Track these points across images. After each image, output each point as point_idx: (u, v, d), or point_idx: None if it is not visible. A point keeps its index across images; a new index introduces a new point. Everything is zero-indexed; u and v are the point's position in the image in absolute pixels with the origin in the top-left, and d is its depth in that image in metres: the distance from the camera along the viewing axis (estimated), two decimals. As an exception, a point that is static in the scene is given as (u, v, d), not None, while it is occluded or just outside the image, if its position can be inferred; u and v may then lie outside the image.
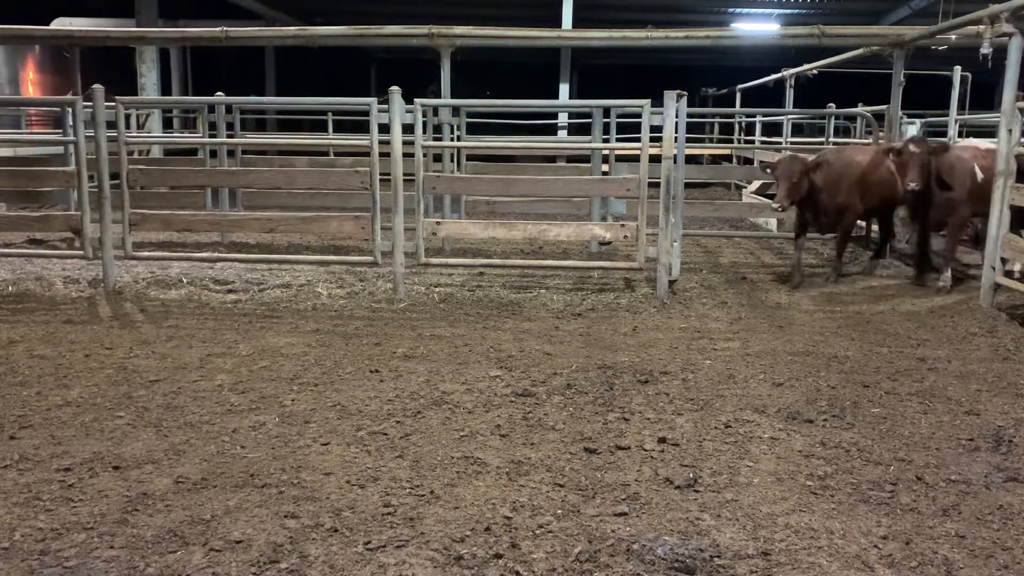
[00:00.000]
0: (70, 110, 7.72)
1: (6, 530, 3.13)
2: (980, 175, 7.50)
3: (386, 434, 4.12)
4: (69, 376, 5.00)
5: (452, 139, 10.04)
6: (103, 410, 4.42)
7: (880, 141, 9.72)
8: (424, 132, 8.38)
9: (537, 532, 3.17)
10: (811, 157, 7.81)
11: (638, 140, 7.25)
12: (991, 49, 7.43)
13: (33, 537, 3.09)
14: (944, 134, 12.57)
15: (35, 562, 2.93)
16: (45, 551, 3.00)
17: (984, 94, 18.47)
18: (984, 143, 8.33)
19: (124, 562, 2.93)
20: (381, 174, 7.15)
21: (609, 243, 9.09)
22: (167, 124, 17.93)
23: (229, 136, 10.56)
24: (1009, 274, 7.18)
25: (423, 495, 3.46)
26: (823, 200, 7.86)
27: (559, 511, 3.33)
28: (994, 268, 6.82)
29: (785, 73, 15.08)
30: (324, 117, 15.38)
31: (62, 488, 3.49)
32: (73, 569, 2.89)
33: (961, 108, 13.27)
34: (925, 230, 8.09)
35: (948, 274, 7.70)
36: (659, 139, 7.08)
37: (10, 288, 7.45)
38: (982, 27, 7.46)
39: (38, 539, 3.08)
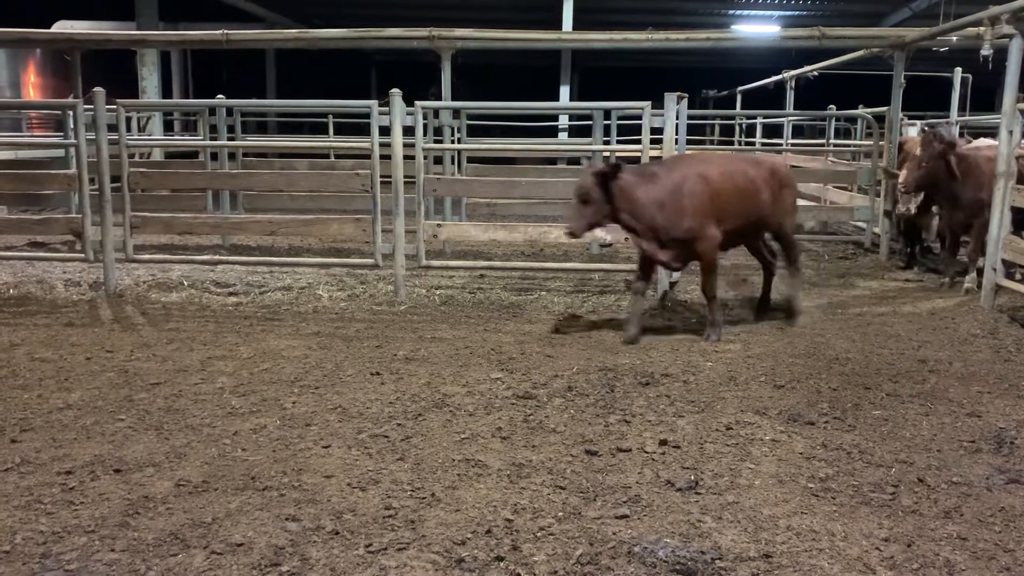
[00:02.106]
0: (71, 113, 7.73)
1: (7, 533, 3.13)
2: None
3: (387, 436, 4.12)
4: (70, 379, 5.00)
5: (453, 141, 10.04)
6: (104, 413, 4.42)
7: (881, 143, 9.72)
8: (425, 134, 8.38)
9: (538, 534, 3.16)
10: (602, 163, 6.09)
11: (639, 142, 7.26)
12: (992, 51, 7.43)
13: (34, 540, 3.09)
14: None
15: (36, 565, 2.93)
16: (46, 554, 3.00)
17: (985, 96, 18.43)
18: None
19: (125, 565, 2.93)
20: (382, 176, 7.16)
21: (610, 245, 9.07)
22: (168, 127, 17.93)
23: (230, 139, 10.58)
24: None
25: (424, 497, 3.46)
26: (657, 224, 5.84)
27: (560, 513, 3.33)
28: (995, 270, 6.81)
29: (785, 75, 15.08)
30: (325, 120, 15.37)
31: (63, 491, 3.49)
32: (74, 572, 2.89)
33: (962, 110, 13.24)
34: (954, 232, 8.02)
35: (974, 275, 7.57)
36: (660, 141, 7.08)
37: (11, 291, 7.46)
38: (982, 29, 7.46)
39: (39, 542, 3.08)
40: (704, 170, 6.03)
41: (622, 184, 5.73)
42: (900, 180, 7.64)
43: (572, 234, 5.90)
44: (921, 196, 8.12)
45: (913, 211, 8.34)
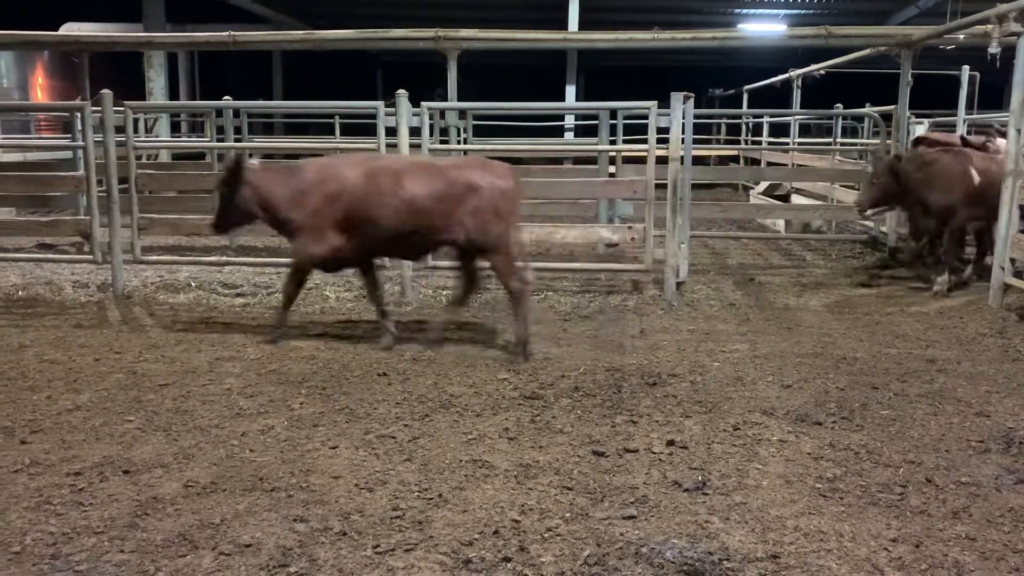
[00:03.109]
0: (79, 115, 7.76)
1: (17, 534, 3.15)
2: (977, 179, 7.43)
3: (394, 437, 4.12)
4: (79, 380, 5.02)
5: (459, 142, 10.04)
6: (113, 414, 4.43)
7: (888, 142, 9.69)
8: (431, 135, 8.38)
9: (546, 535, 3.17)
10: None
11: (645, 142, 7.25)
12: (999, 49, 7.40)
13: (44, 541, 3.10)
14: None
15: (46, 566, 2.94)
16: (56, 555, 3.01)
17: (993, 94, 18.36)
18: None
19: (134, 566, 2.94)
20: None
21: (616, 245, 9.07)
22: (175, 128, 17.99)
23: (237, 140, 10.60)
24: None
25: (431, 498, 3.46)
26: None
27: (567, 514, 3.33)
28: (1003, 268, 6.79)
29: (792, 74, 15.04)
30: (331, 120, 15.41)
31: (72, 492, 3.50)
32: (84, 573, 2.91)
33: (969, 108, 13.20)
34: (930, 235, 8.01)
35: (946, 277, 7.57)
36: (666, 141, 7.07)
37: (20, 293, 7.49)
38: (990, 27, 7.42)
39: (49, 543, 3.09)
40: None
41: None
42: (854, 201, 7.61)
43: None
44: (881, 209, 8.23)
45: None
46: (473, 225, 5.47)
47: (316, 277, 8.08)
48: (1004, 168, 6.93)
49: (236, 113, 10.71)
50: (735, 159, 19.62)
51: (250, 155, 6.72)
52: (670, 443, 4.05)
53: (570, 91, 20.65)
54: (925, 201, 7.54)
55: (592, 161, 10.15)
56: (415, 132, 7.26)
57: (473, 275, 5.88)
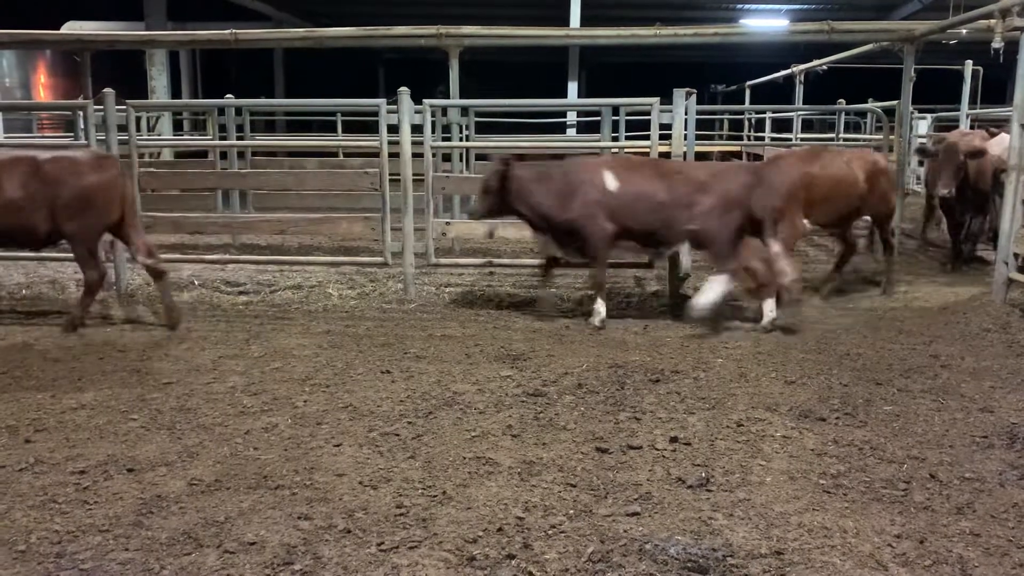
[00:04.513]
0: (81, 114, 7.75)
1: (22, 532, 3.16)
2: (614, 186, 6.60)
3: (398, 435, 4.13)
4: (83, 379, 5.03)
5: (461, 139, 10.03)
6: (117, 413, 4.44)
7: (891, 137, 9.67)
8: (433, 132, 8.38)
9: (549, 532, 3.17)
10: None
11: (647, 138, 7.24)
12: (1003, 43, 7.38)
13: (49, 540, 3.11)
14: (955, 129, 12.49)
15: (51, 564, 2.95)
16: (61, 553, 3.02)
17: (996, 88, 18.32)
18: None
19: (139, 564, 2.95)
20: (390, 175, 7.16)
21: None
22: (177, 126, 17.99)
23: (239, 138, 10.60)
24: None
25: (435, 496, 3.47)
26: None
27: (571, 511, 3.33)
28: (1007, 264, 6.77)
29: (794, 69, 15.02)
30: (333, 118, 15.42)
31: (77, 491, 3.51)
32: (89, 571, 2.92)
33: (973, 103, 13.17)
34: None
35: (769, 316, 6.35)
36: (669, 137, 7.07)
37: (24, 292, 7.50)
38: (993, 21, 7.41)
39: (54, 541, 3.10)
40: None
41: None
42: (467, 211, 7.08)
43: None
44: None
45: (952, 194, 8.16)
46: None
47: (319, 275, 8.10)
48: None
49: (238, 111, 10.72)
50: (738, 155, 19.59)
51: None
52: (673, 439, 4.05)
53: (572, 88, 20.63)
54: (540, 211, 6.35)
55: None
56: (417, 129, 7.26)
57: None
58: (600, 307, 6.34)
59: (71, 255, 6.20)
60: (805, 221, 6.58)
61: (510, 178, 6.33)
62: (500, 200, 6.41)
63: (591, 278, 6.62)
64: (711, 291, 6.16)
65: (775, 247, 6.26)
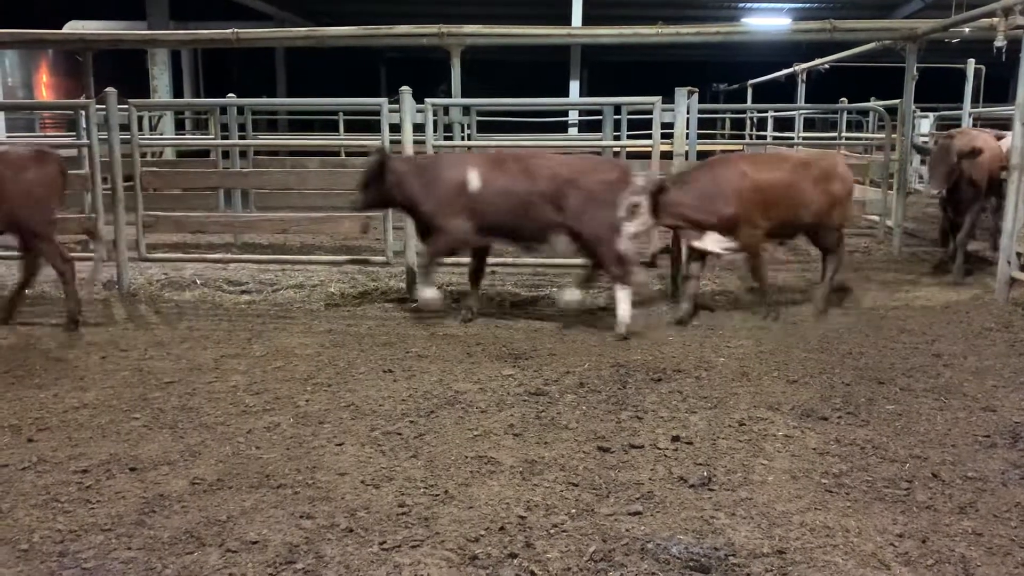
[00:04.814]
0: (83, 113, 7.77)
1: (25, 532, 3.17)
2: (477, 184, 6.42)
3: (400, 434, 4.13)
4: (85, 378, 5.04)
5: (463, 138, 10.03)
6: (119, 412, 4.45)
7: (893, 136, 9.66)
8: (435, 131, 8.38)
9: (551, 531, 3.17)
10: None
11: (649, 137, 7.24)
12: (1005, 42, 7.36)
13: (52, 539, 3.12)
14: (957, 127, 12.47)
15: (54, 563, 2.96)
16: (64, 552, 3.03)
17: (999, 87, 18.27)
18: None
19: (142, 563, 2.95)
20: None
21: None
22: (179, 126, 18.00)
23: (241, 137, 10.61)
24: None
25: (437, 495, 3.47)
26: None
27: (573, 510, 3.33)
28: (1009, 263, 6.76)
29: (796, 68, 14.99)
30: (335, 117, 15.43)
31: (80, 490, 3.52)
32: (91, 570, 2.92)
33: (975, 101, 13.15)
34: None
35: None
36: (670, 136, 7.06)
37: (26, 291, 7.49)
38: (996, 20, 7.39)
39: (57, 540, 3.11)
40: None
41: None
42: (350, 200, 6.71)
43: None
44: None
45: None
46: None
47: (320, 274, 8.10)
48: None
49: (240, 110, 10.74)
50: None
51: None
52: (675, 439, 4.05)
53: (574, 87, 20.62)
54: (410, 204, 6.36)
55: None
56: (419, 128, 7.26)
57: None
58: (428, 291, 6.33)
59: (72, 255, 6.21)
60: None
61: (387, 171, 6.31)
62: (378, 193, 6.37)
63: (421, 267, 6.59)
64: (622, 303, 6.08)
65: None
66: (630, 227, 6.13)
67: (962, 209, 7.90)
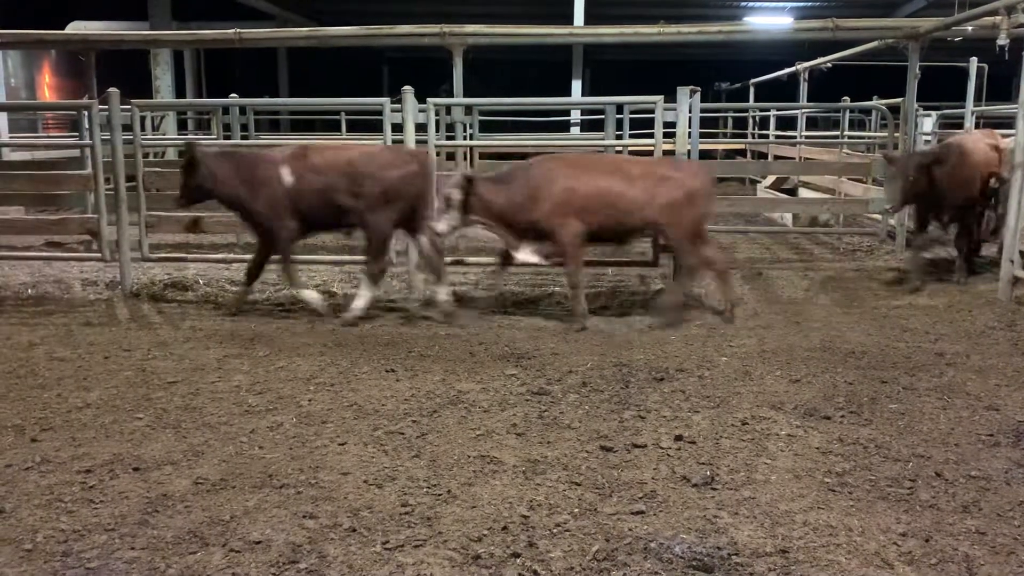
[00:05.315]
0: (86, 114, 7.78)
1: (29, 531, 3.17)
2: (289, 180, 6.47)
3: (403, 433, 4.13)
4: (88, 378, 5.04)
5: (465, 138, 10.03)
6: (122, 412, 4.45)
7: (896, 135, 9.65)
8: (437, 131, 8.38)
9: (554, 531, 3.17)
10: None
11: (651, 136, 7.24)
12: (1008, 40, 7.36)
13: (55, 539, 3.12)
14: (960, 126, 12.46)
15: (58, 563, 2.96)
16: (67, 552, 3.03)
17: (1001, 85, 18.24)
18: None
19: (145, 563, 2.96)
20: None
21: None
22: (182, 126, 18.02)
23: (243, 137, 10.62)
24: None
25: (440, 494, 3.47)
26: None
27: (576, 510, 3.33)
28: (1012, 262, 6.75)
29: (799, 67, 14.98)
30: (337, 117, 15.43)
31: (83, 490, 3.52)
32: (95, 570, 2.92)
33: (978, 100, 13.13)
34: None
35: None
36: (672, 135, 7.06)
37: (29, 291, 7.52)
38: (998, 18, 7.39)
39: (60, 540, 3.11)
40: None
41: None
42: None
43: None
44: None
45: None
46: None
47: (323, 273, 8.10)
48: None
49: (242, 110, 10.75)
50: (742, 153, 19.56)
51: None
52: (678, 438, 4.05)
53: (576, 86, 20.61)
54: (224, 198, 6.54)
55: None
56: (421, 128, 7.26)
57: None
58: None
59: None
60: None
61: (198, 164, 6.37)
62: (198, 187, 6.43)
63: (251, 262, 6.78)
64: (362, 295, 6.29)
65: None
66: (439, 224, 6.16)
67: (951, 217, 7.64)
